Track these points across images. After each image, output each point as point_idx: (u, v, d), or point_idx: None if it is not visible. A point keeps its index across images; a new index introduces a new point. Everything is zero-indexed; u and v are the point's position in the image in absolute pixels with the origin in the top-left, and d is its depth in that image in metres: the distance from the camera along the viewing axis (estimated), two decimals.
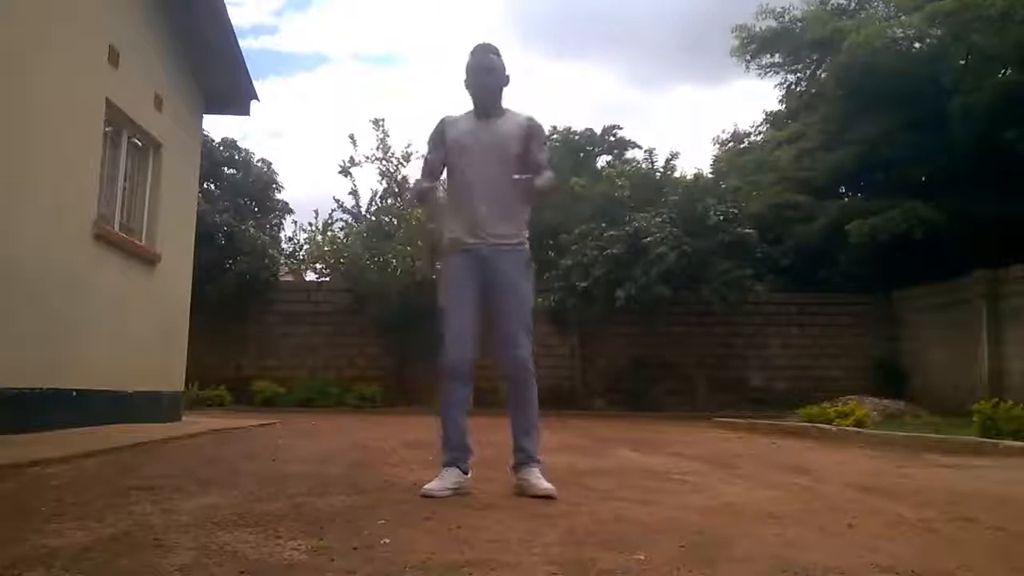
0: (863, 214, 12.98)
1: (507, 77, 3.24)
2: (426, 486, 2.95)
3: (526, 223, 3.26)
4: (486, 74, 3.18)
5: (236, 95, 8.40)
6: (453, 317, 3.09)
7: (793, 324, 14.73)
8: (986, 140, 11.54)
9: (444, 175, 3.34)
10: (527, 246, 3.23)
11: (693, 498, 3.14)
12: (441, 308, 3.13)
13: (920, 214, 12.14)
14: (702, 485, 3.58)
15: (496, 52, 3.22)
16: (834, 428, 7.30)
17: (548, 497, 2.91)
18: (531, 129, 3.23)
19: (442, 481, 2.98)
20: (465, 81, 3.22)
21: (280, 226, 16.18)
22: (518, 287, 3.14)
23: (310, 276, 15.57)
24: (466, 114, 3.28)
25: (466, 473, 3.08)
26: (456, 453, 3.07)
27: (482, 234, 3.11)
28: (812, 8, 15.64)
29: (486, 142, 3.17)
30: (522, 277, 3.16)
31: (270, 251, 14.55)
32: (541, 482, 3.01)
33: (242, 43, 9.09)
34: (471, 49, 3.23)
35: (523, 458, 3.11)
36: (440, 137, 3.27)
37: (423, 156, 3.44)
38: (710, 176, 15.16)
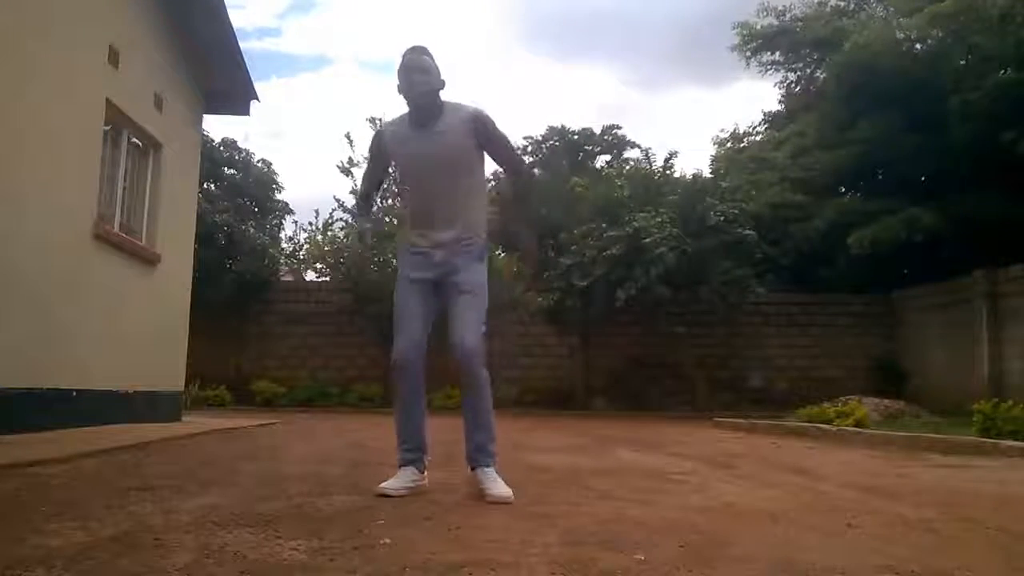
0: (863, 215, 12.98)
1: (442, 81, 3.03)
2: (382, 484, 2.93)
3: (484, 222, 3.18)
4: (419, 73, 2.98)
5: (236, 95, 8.41)
6: (403, 315, 3.05)
7: (793, 324, 14.73)
8: (986, 140, 11.53)
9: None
10: (482, 242, 3.14)
11: (693, 498, 3.14)
12: (394, 307, 3.10)
13: (920, 221, 12.13)
14: (702, 485, 3.57)
15: (428, 53, 3.06)
16: (834, 428, 7.30)
17: (505, 503, 2.78)
18: (478, 126, 3.04)
19: (398, 480, 2.96)
20: (399, 86, 3.02)
21: (280, 226, 16.24)
22: (470, 274, 3.07)
23: (310, 276, 15.58)
24: (403, 120, 3.12)
25: (422, 472, 3.05)
26: (411, 453, 3.04)
27: (437, 242, 3.08)
28: (812, 8, 15.66)
29: (430, 153, 3.02)
30: (474, 262, 3.10)
31: (270, 251, 14.56)
32: (497, 487, 2.89)
33: (245, 45, 9.11)
34: (402, 52, 3.06)
35: (476, 459, 3.01)
36: (378, 149, 3.24)
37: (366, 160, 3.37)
38: (709, 176, 15.17)
